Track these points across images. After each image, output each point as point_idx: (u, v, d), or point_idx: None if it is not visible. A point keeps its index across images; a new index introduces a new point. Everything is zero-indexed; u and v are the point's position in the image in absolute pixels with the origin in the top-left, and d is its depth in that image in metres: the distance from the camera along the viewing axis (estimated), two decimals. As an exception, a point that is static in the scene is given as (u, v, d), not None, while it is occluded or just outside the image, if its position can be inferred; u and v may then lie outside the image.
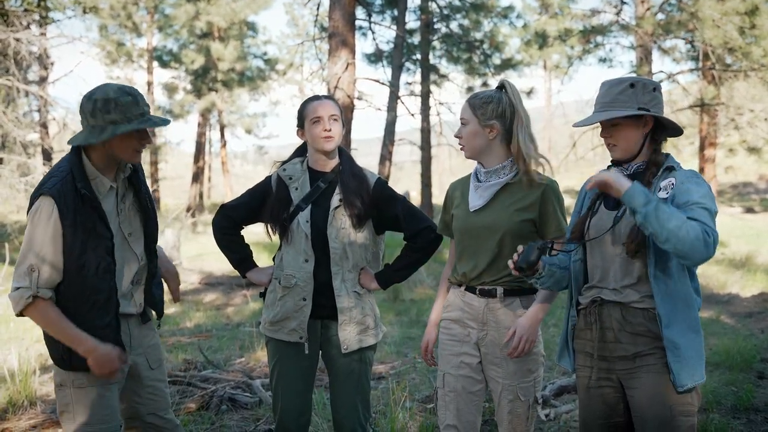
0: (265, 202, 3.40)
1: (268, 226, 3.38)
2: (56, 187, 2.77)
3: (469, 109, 3.04)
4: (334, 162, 3.37)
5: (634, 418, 2.71)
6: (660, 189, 2.65)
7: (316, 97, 3.36)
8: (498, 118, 3.00)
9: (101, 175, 2.87)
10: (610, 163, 2.80)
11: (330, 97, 3.39)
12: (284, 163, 3.46)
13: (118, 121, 2.77)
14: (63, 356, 2.84)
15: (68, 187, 2.78)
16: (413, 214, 3.38)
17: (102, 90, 2.80)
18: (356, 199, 3.27)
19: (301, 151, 3.47)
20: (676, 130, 2.76)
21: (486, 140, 3.02)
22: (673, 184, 2.63)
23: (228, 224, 3.47)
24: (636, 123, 2.68)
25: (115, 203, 2.93)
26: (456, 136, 3.09)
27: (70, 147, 2.90)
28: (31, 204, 2.79)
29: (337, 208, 3.27)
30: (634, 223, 2.57)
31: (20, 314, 2.79)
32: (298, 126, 3.40)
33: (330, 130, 3.26)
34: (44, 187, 2.77)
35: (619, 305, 2.70)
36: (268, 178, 3.45)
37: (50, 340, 2.87)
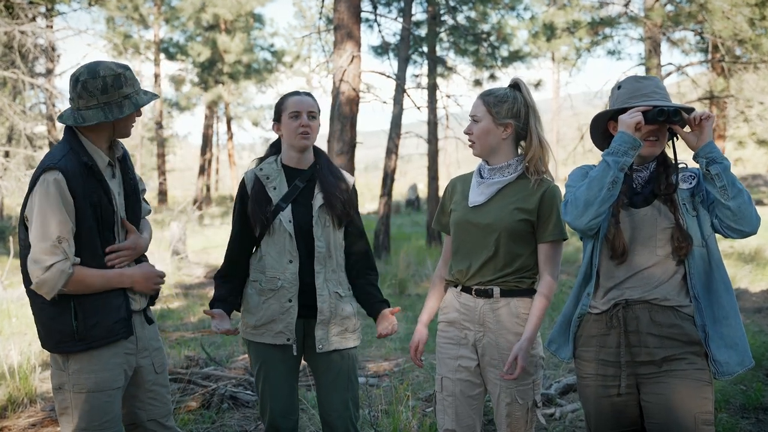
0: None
1: (255, 227, 3.25)
2: (61, 161, 2.68)
3: (483, 106, 2.95)
4: (310, 159, 3.34)
5: (651, 424, 2.62)
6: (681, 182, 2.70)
7: (296, 93, 3.33)
8: (513, 118, 2.93)
9: (100, 150, 2.82)
10: None
11: (310, 94, 3.36)
12: (261, 161, 3.38)
13: (131, 95, 2.77)
14: (75, 334, 2.70)
15: (73, 161, 2.70)
16: (361, 232, 3.42)
17: (105, 66, 2.76)
18: (337, 199, 3.26)
19: (276, 148, 3.40)
20: None
21: (498, 139, 2.95)
22: (695, 178, 2.70)
23: (232, 273, 3.33)
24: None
25: (116, 183, 2.89)
26: (466, 133, 3.01)
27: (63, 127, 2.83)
28: (34, 182, 2.68)
29: (321, 206, 3.23)
30: (674, 223, 2.61)
31: (57, 292, 2.63)
32: (274, 120, 3.34)
33: (308, 126, 3.22)
34: (47, 163, 2.67)
35: (647, 305, 2.63)
36: (242, 183, 3.33)
37: (54, 321, 2.71)
